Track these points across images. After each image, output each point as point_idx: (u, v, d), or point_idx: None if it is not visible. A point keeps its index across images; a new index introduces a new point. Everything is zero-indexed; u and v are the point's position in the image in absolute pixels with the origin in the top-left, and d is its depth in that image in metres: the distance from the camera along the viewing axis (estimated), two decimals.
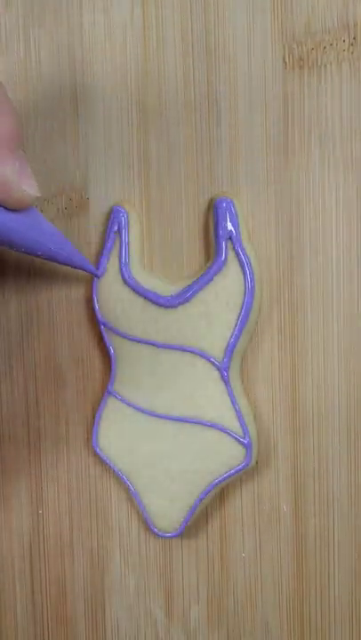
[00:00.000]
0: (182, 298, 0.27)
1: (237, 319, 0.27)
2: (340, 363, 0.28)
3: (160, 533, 0.28)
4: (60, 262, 0.26)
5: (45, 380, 0.30)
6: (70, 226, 0.29)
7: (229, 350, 0.27)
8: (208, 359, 0.27)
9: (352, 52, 0.26)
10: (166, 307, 0.27)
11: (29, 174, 0.22)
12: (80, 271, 0.29)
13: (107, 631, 0.31)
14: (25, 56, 0.29)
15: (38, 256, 0.25)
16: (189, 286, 0.27)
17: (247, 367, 0.28)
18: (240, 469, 0.27)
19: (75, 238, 0.29)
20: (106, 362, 0.29)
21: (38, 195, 0.22)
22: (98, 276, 0.28)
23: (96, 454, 0.29)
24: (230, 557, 0.29)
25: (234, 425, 0.27)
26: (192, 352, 0.27)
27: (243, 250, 0.27)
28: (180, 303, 0.27)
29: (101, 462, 0.30)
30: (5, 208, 0.22)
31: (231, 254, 0.27)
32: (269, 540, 0.29)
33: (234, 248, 0.27)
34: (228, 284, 0.27)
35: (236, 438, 0.27)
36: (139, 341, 0.28)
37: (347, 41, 0.26)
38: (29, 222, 0.23)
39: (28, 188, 0.22)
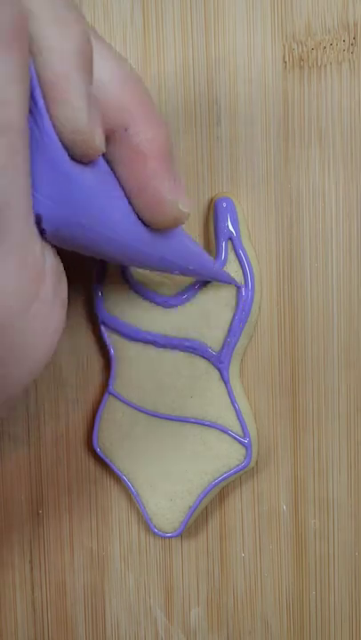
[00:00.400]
0: (181, 299, 0.27)
1: (237, 319, 0.27)
2: (340, 363, 0.28)
3: (160, 533, 0.28)
4: (199, 278, 0.24)
5: (45, 380, 0.30)
6: None
7: (229, 350, 0.27)
8: (209, 358, 0.27)
9: (352, 52, 0.26)
10: (165, 307, 0.27)
11: (183, 188, 0.20)
12: (80, 270, 0.29)
13: (107, 631, 0.31)
14: None
15: (175, 274, 0.23)
16: (189, 287, 0.27)
17: (247, 367, 0.28)
18: (240, 469, 0.27)
19: None
20: (106, 362, 0.29)
21: (190, 211, 0.20)
22: (239, 287, 0.26)
23: (96, 454, 0.29)
24: (230, 557, 0.29)
25: (234, 425, 0.27)
26: (192, 349, 0.27)
27: (243, 250, 0.27)
28: (179, 304, 0.27)
29: (101, 462, 0.30)
30: (151, 227, 0.20)
31: (231, 254, 0.27)
32: (269, 540, 0.29)
33: (234, 248, 0.27)
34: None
35: (236, 438, 0.27)
36: (139, 341, 0.28)
37: (347, 41, 0.26)
38: (174, 241, 0.21)
39: (183, 205, 0.20)
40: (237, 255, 0.27)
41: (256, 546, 0.29)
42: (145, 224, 0.20)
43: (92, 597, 0.31)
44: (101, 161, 0.19)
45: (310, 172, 0.27)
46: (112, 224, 0.19)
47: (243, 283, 0.26)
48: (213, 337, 0.27)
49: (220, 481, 0.27)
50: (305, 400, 0.28)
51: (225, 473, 0.27)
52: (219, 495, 0.29)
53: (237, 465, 0.27)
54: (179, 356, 0.27)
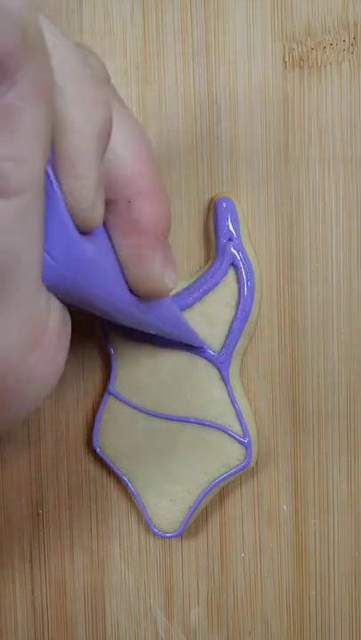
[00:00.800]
0: (183, 304, 0.27)
1: (237, 319, 0.27)
2: (340, 362, 0.28)
3: (160, 533, 0.28)
4: (177, 340, 0.26)
5: None
6: None
7: (229, 350, 0.27)
8: (209, 358, 0.27)
9: (352, 52, 0.26)
10: None
11: (172, 265, 0.21)
12: None
13: (107, 631, 0.31)
14: None
15: (159, 334, 0.24)
16: (189, 291, 0.27)
17: (247, 367, 0.28)
18: (240, 469, 0.27)
19: None
20: (106, 362, 0.29)
21: (174, 286, 0.21)
22: (204, 350, 0.27)
23: (96, 454, 0.29)
24: (230, 557, 0.29)
25: (234, 425, 0.27)
26: (192, 351, 0.27)
27: (243, 250, 0.27)
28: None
29: (101, 462, 0.30)
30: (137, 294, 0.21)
31: (231, 254, 0.27)
32: (269, 540, 0.29)
33: (234, 248, 0.27)
34: (228, 284, 0.27)
35: (236, 438, 0.27)
36: (139, 340, 0.28)
37: (347, 41, 0.26)
38: (156, 307, 0.22)
39: (169, 280, 0.21)
40: (237, 255, 0.27)
41: (256, 546, 0.29)
42: (131, 290, 0.21)
43: (92, 597, 0.31)
44: (100, 228, 0.20)
45: (310, 172, 0.27)
46: (106, 287, 0.19)
47: (212, 345, 0.27)
48: (214, 337, 0.27)
49: (220, 481, 0.27)
50: (305, 400, 0.28)
51: (225, 473, 0.27)
52: (219, 495, 0.29)
53: (237, 465, 0.27)
54: (179, 355, 0.27)
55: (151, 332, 0.24)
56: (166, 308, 0.24)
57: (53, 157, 0.17)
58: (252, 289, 0.27)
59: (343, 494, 0.28)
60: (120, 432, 0.28)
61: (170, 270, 0.21)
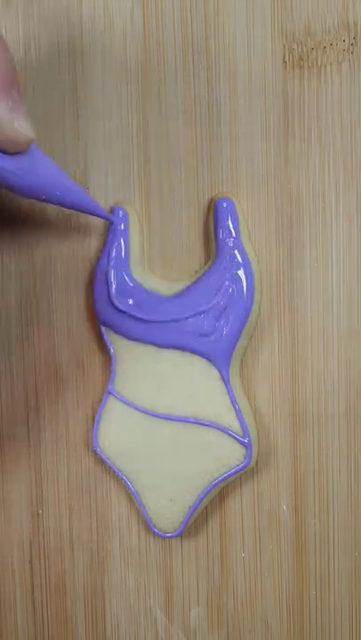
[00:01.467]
0: (182, 314, 0.27)
1: (237, 320, 0.27)
2: (339, 362, 0.28)
3: (160, 533, 0.28)
4: (67, 207, 0.25)
5: (45, 379, 0.30)
6: (70, 226, 0.29)
7: (229, 350, 0.27)
8: (208, 357, 0.27)
9: (352, 52, 0.26)
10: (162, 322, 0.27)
11: (23, 114, 0.21)
12: (81, 272, 0.29)
13: (107, 631, 0.31)
14: (25, 55, 0.29)
15: (43, 200, 0.24)
16: (188, 294, 0.27)
17: (247, 367, 0.28)
18: (240, 469, 0.27)
19: (75, 238, 0.29)
20: (106, 362, 0.29)
21: (32, 136, 0.22)
22: (112, 222, 0.27)
23: (96, 454, 0.29)
24: (230, 557, 0.29)
25: (234, 425, 0.27)
26: (192, 351, 0.27)
27: (243, 250, 0.27)
28: (176, 319, 0.27)
29: (101, 462, 0.30)
30: (1, 151, 0.21)
31: (231, 254, 0.27)
32: (269, 540, 0.29)
33: (234, 248, 0.27)
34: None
35: (236, 438, 0.27)
36: (139, 340, 0.28)
37: (347, 41, 0.26)
38: (30, 165, 0.22)
39: (22, 128, 0.21)
40: (237, 255, 0.27)
41: (256, 546, 0.29)
42: None
43: (92, 597, 0.31)
44: None
45: (310, 172, 0.27)
46: None
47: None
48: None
49: (220, 481, 0.27)
50: (305, 400, 0.28)
51: (225, 473, 0.27)
52: (219, 495, 0.29)
53: (237, 465, 0.27)
54: (179, 355, 0.27)
55: (42, 198, 0.24)
56: (47, 171, 0.23)
57: None
58: (252, 289, 0.27)
59: (343, 494, 0.28)
60: (120, 432, 0.28)
61: (20, 117, 0.21)
